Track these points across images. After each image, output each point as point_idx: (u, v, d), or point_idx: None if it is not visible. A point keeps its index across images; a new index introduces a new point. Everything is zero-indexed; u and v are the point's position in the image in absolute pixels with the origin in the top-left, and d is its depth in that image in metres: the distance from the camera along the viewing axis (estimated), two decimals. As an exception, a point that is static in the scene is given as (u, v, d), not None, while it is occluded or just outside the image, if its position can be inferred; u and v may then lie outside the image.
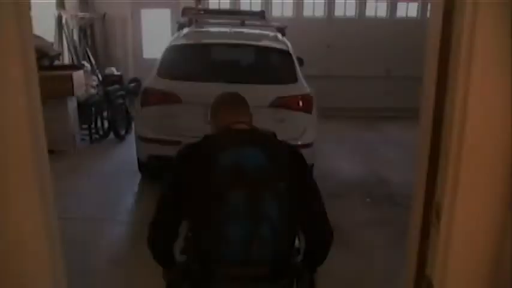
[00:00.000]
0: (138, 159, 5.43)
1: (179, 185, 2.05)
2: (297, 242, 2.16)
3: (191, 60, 5.63)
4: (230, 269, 1.93)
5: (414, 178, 1.43)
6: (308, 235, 2.11)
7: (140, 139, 5.10)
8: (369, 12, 9.89)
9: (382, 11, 9.88)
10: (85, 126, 7.33)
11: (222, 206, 1.88)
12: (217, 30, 6.85)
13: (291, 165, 2.02)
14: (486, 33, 1.12)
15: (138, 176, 5.71)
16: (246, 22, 6.37)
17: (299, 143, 4.93)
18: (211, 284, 1.98)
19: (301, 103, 4.96)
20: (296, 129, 4.92)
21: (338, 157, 6.98)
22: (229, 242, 1.89)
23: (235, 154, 1.94)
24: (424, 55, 1.45)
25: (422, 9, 9.79)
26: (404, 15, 9.92)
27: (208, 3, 9.85)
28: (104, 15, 10.07)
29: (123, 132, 7.58)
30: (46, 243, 1.30)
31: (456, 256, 1.20)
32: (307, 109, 4.98)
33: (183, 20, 6.37)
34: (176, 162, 2.12)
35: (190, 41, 5.89)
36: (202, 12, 6.97)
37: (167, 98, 4.90)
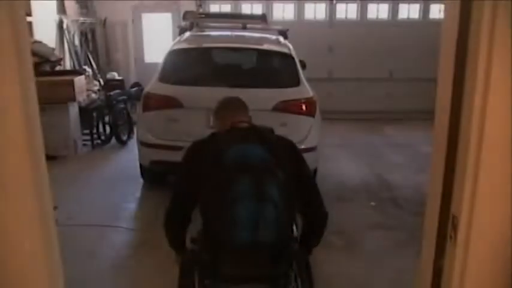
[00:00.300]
0: (140, 164, 5.39)
1: (192, 175, 2.34)
2: (294, 230, 2.46)
3: (193, 65, 5.59)
4: (237, 253, 2.19)
5: (429, 189, 1.37)
6: (306, 216, 2.44)
7: (142, 144, 5.06)
8: (371, 14, 9.85)
9: (383, 13, 9.84)
10: (87, 131, 7.31)
11: (232, 191, 2.16)
12: (218, 34, 6.82)
13: (287, 156, 2.37)
14: (506, 33, 1.07)
15: (140, 182, 5.67)
16: (248, 26, 6.33)
17: (302, 146, 4.88)
18: (219, 268, 2.25)
19: (304, 107, 4.91)
20: (299, 133, 4.87)
21: (341, 160, 6.93)
22: (239, 222, 2.14)
23: (242, 148, 2.27)
24: (439, 59, 1.38)
25: (424, 11, 9.75)
26: (406, 17, 9.88)
27: (209, 7, 9.82)
28: (105, 20, 10.05)
29: (125, 137, 7.55)
30: (43, 247, 1.25)
31: (474, 271, 1.15)
32: (310, 113, 4.93)
33: (184, 24, 6.34)
34: (189, 155, 2.42)
35: (192, 45, 5.85)
36: (203, 16, 6.93)
37: (169, 103, 4.86)
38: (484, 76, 1.10)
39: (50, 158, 6.40)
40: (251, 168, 2.21)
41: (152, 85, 5.06)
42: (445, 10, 1.41)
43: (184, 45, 5.71)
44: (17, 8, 1.14)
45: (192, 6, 9.23)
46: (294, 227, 2.45)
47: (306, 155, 5.06)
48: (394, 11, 9.79)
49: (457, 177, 1.18)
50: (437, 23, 9.23)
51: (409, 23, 9.79)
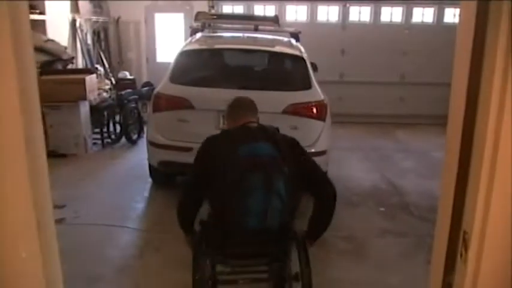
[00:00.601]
0: (149, 164, 5.39)
1: (207, 165, 2.67)
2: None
3: (203, 66, 5.58)
4: (247, 236, 2.61)
5: (439, 202, 1.33)
6: (317, 196, 2.75)
7: (151, 144, 5.06)
8: (384, 17, 9.77)
9: (397, 17, 9.76)
10: (97, 130, 7.33)
11: (245, 184, 2.51)
12: (230, 36, 6.81)
13: (292, 152, 2.69)
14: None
15: (149, 181, 5.67)
16: (260, 27, 6.30)
17: (312, 150, 4.85)
18: (229, 247, 2.68)
19: (314, 110, 4.87)
20: (309, 136, 4.84)
21: (351, 164, 6.88)
22: (250, 211, 2.52)
23: (253, 146, 2.60)
24: (453, 65, 1.33)
25: (439, 14, 9.65)
26: (420, 20, 9.79)
27: (222, 8, 9.82)
28: (118, 19, 10.09)
29: (135, 136, 7.56)
30: (40, 253, 1.22)
31: (485, 291, 1.10)
32: (320, 116, 4.89)
33: (196, 24, 6.32)
34: (205, 148, 2.75)
35: (203, 46, 5.84)
36: (215, 17, 6.91)
37: (179, 104, 4.85)
38: (501, 84, 1.06)
39: (60, 156, 6.50)
40: (261, 164, 2.55)
41: (163, 85, 5.05)
42: (461, 11, 1.36)
43: (196, 46, 5.70)
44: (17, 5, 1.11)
45: (204, 7, 9.22)
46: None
47: (316, 159, 5.05)
48: (408, 15, 9.70)
49: (469, 192, 1.14)
50: (451, 27, 9.14)
51: (423, 26, 9.69)
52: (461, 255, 1.16)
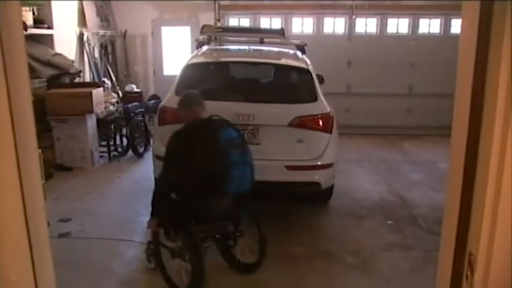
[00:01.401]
0: (155, 178, 5.36)
1: (182, 150, 3.46)
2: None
3: (209, 79, 5.58)
4: (226, 199, 3.58)
5: (443, 222, 1.29)
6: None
7: (157, 158, 5.02)
8: (391, 29, 9.75)
9: (403, 28, 9.74)
10: (104, 143, 7.34)
11: (228, 159, 3.48)
12: (235, 48, 6.81)
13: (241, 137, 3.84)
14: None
15: (155, 195, 5.65)
16: (265, 40, 6.30)
17: (318, 163, 4.82)
18: (208, 211, 3.57)
19: (321, 123, 4.84)
20: (316, 149, 4.81)
21: (359, 176, 6.83)
22: (233, 179, 3.48)
23: (227, 131, 3.62)
24: (456, 76, 1.30)
25: (445, 25, 9.63)
26: (426, 31, 9.76)
27: (228, 21, 9.86)
28: (125, 33, 10.16)
29: (141, 149, 7.56)
30: (31, 267, 1.18)
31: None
32: (327, 129, 4.85)
33: (201, 37, 6.33)
34: (181, 136, 3.57)
35: (208, 59, 5.84)
36: (220, 30, 6.92)
37: None
38: (505, 101, 1.03)
39: (66, 169, 6.50)
40: (236, 143, 3.61)
41: (168, 99, 5.04)
42: (463, 17, 1.32)
43: (201, 59, 5.70)
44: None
45: (211, 20, 9.27)
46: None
47: (322, 172, 5.00)
48: (414, 26, 9.68)
49: (475, 212, 1.10)
50: (458, 38, 9.07)
51: (429, 37, 9.66)
52: (466, 277, 1.12)
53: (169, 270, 3.70)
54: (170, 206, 3.59)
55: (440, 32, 9.70)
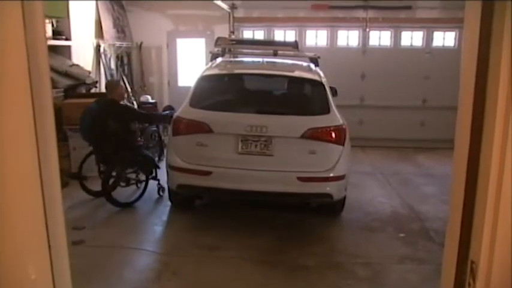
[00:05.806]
0: (168, 187, 5.43)
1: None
2: None
3: (223, 91, 5.65)
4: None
5: (446, 232, 1.31)
6: None
7: (171, 168, 5.10)
8: (404, 42, 9.77)
9: (417, 41, 9.75)
10: (118, 153, 7.40)
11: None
12: (249, 61, 6.88)
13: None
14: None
15: (168, 204, 5.71)
16: (279, 52, 6.36)
17: (331, 175, 4.84)
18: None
19: (333, 135, 4.87)
20: (328, 161, 4.83)
21: (372, 189, 6.81)
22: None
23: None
24: (459, 90, 1.33)
25: (459, 38, 9.61)
26: (441, 44, 9.76)
27: (242, 33, 9.95)
28: (141, 44, 10.30)
29: (156, 159, 7.62)
30: (50, 267, 1.22)
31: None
32: (339, 141, 4.87)
33: (216, 50, 6.41)
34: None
35: (223, 71, 5.92)
36: (234, 42, 7.00)
37: (198, 128, 4.90)
38: (505, 107, 1.05)
39: (81, 178, 6.57)
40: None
41: (182, 110, 5.12)
42: (464, 37, 1.36)
43: (215, 71, 5.78)
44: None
45: (225, 32, 9.37)
46: None
47: (334, 184, 5.01)
48: (428, 39, 9.68)
49: (476, 221, 1.12)
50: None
51: (443, 50, 9.65)
52: (469, 285, 1.14)
53: None
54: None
55: (454, 45, 9.69)
